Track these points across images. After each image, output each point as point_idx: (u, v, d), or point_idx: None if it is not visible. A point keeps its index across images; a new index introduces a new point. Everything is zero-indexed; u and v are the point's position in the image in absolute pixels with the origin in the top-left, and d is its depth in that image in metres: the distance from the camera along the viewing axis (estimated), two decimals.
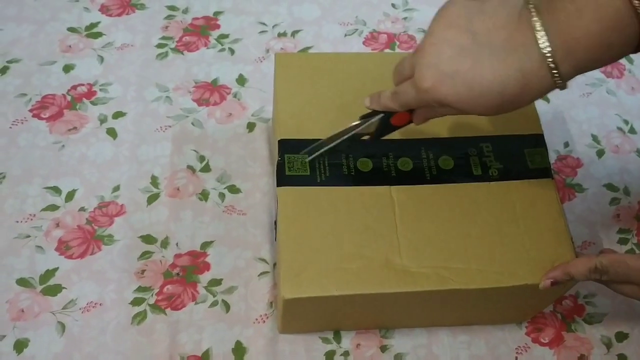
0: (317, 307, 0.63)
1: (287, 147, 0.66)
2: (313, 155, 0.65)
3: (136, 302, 0.74)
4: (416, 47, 0.55)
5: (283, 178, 0.64)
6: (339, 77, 0.71)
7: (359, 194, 0.64)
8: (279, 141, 0.67)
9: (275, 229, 0.73)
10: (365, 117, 0.62)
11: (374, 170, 0.65)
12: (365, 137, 0.63)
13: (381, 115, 0.61)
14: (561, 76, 0.47)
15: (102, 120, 0.86)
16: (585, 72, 0.48)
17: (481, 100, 0.50)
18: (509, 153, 0.68)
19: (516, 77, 0.48)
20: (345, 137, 0.63)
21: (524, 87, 0.48)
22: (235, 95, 0.89)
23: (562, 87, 0.49)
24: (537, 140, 0.69)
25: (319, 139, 0.65)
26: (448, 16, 0.51)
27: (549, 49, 0.47)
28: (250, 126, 0.87)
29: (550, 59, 0.47)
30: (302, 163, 0.65)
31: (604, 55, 0.47)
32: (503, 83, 0.48)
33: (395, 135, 0.66)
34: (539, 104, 0.91)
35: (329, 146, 0.64)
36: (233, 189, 0.82)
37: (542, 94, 0.49)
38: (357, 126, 0.62)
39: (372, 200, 0.64)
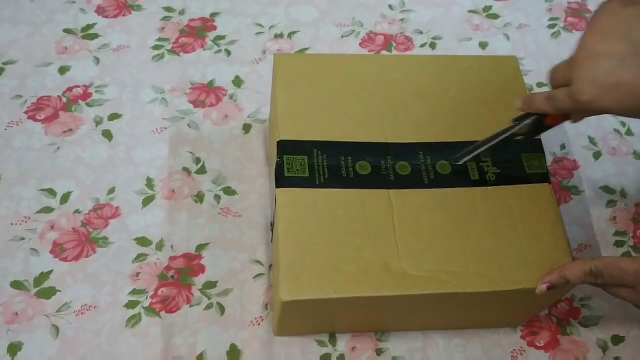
0: (315, 309, 0.63)
1: (286, 148, 0.66)
2: (467, 157, 0.65)
3: (130, 304, 0.73)
4: (570, 58, 0.55)
5: (282, 179, 0.64)
6: (338, 78, 0.71)
7: (357, 197, 0.64)
8: (277, 142, 0.66)
9: (272, 230, 0.72)
10: (518, 119, 0.62)
11: (372, 173, 0.65)
12: (519, 138, 0.63)
13: (535, 116, 0.61)
14: None
15: (98, 122, 0.85)
16: None
17: None
18: (506, 158, 0.68)
19: None
20: (501, 137, 0.63)
21: None
22: (231, 97, 0.89)
23: None
24: (535, 145, 0.69)
25: (318, 141, 0.65)
26: (603, 27, 0.51)
27: None
28: (247, 128, 0.86)
29: None
30: (301, 164, 0.65)
31: None
32: None
33: (394, 139, 0.66)
34: None
35: (484, 147, 0.64)
36: (229, 191, 0.81)
37: None
38: (511, 127, 0.62)
39: (371, 203, 0.63)
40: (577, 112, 0.58)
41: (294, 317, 0.66)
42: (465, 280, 0.60)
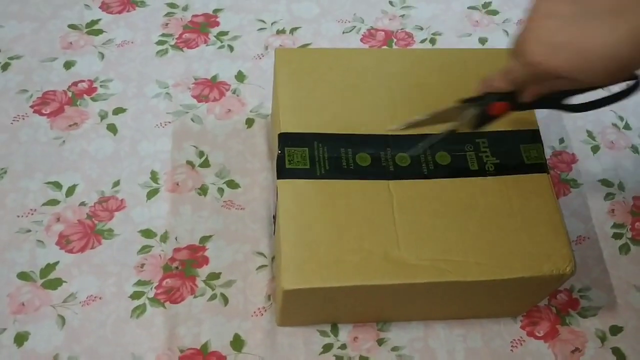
0: (316, 298, 0.63)
1: (288, 141, 0.66)
2: (417, 150, 0.65)
3: (136, 295, 0.74)
4: (521, 22, 0.54)
5: (283, 171, 0.64)
6: (338, 72, 0.71)
7: (358, 188, 0.64)
8: (279, 134, 0.66)
9: (274, 222, 0.73)
10: (464, 102, 0.61)
11: (372, 164, 0.65)
12: (458, 128, 0.63)
13: (478, 104, 0.60)
14: None
15: (103, 116, 0.85)
16: None
17: (595, 68, 0.48)
18: (505, 148, 0.68)
19: (628, 38, 0.47)
20: (446, 133, 0.62)
21: (638, 48, 0.47)
22: (234, 92, 0.89)
23: None
24: (533, 136, 0.69)
25: (319, 133, 0.65)
26: None
27: None
28: (249, 122, 0.86)
29: None
30: (302, 156, 0.65)
31: None
32: (615, 47, 0.47)
33: (393, 130, 0.67)
34: None
35: (433, 142, 0.63)
36: (232, 184, 0.81)
37: None
38: (453, 110, 0.61)
39: (371, 194, 0.64)
40: (532, 82, 0.57)
41: (296, 307, 0.66)
42: (464, 270, 0.61)
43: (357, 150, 0.66)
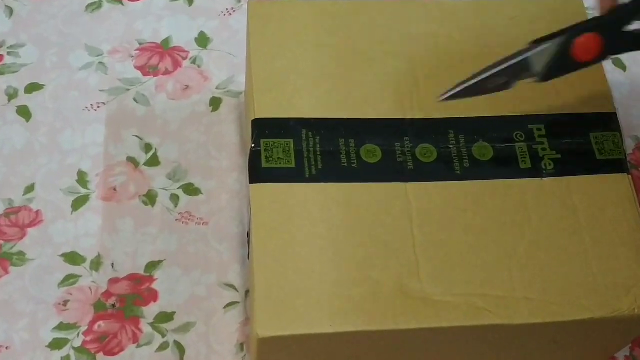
0: (305, 349, 0.63)
1: (264, 129, 0.66)
2: (446, 95, 0.63)
3: (56, 344, 0.74)
4: None
5: (258, 172, 0.64)
6: (336, 32, 0.71)
7: (363, 195, 0.64)
8: (253, 121, 0.66)
9: (249, 243, 0.72)
10: (537, 42, 0.60)
11: (383, 161, 0.65)
12: (530, 80, 0.62)
13: (558, 39, 0.59)
14: None
15: (11, 95, 0.86)
16: None
17: None
18: (569, 138, 0.68)
19: None
20: (500, 68, 0.61)
21: None
22: (194, 61, 0.89)
23: None
24: (608, 121, 0.69)
25: (308, 119, 0.65)
26: None
27: None
28: (215, 103, 0.87)
29: None
30: (286, 151, 0.65)
31: None
32: None
33: (414, 113, 0.67)
34: (613, 73, 0.92)
35: (472, 82, 0.62)
36: (190, 190, 0.82)
37: None
38: (524, 51, 0.60)
39: (381, 203, 0.63)
40: None
41: None
42: (510, 308, 0.60)
43: (362, 141, 0.66)
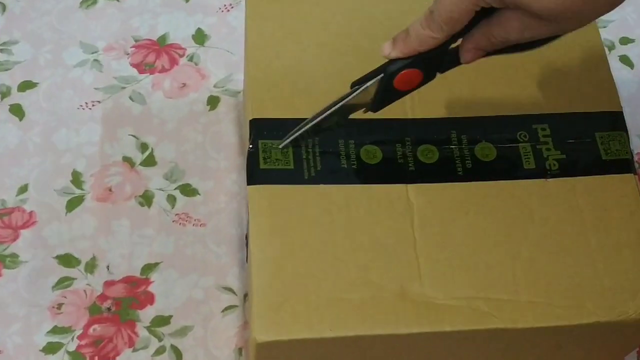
0: (305, 353, 0.63)
1: (262, 130, 0.66)
2: (285, 142, 0.65)
3: (50, 348, 0.74)
4: None
5: (256, 173, 0.64)
6: (337, 26, 0.71)
7: (363, 197, 0.64)
8: (250, 121, 0.66)
9: (247, 245, 0.72)
10: (359, 83, 0.61)
11: (384, 162, 0.65)
12: (361, 110, 0.63)
13: (380, 76, 0.60)
14: None
15: (4, 93, 0.86)
16: None
17: None
18: (574, 138, 0.67)
19: None
20: (329, 111, 0.62)
21: None
22: (191, 59, 0.89)
23: None
24: (614, 120, 0.69)
25: (307, 119, 0.65)
26: None
27: None
28: (213, 101, 0.87)
29: None
30: (284, 152, 0.65)
31: None
32: None
33: (415, 113, 0.66)
34: (620, 71, 0.91)
35: (306, 127, 0.64)
36: (187, 190, 0.82)
37: None
38: (347, 95, 0.62)
39: (382, 205, 0.63)
40: (472, 33, 0.57)
41: None
42: (515, 312, 0.60)
43: (361, 141, 0.66)
